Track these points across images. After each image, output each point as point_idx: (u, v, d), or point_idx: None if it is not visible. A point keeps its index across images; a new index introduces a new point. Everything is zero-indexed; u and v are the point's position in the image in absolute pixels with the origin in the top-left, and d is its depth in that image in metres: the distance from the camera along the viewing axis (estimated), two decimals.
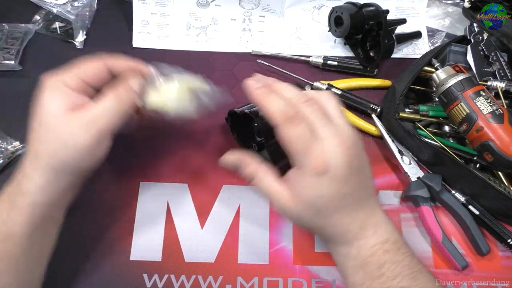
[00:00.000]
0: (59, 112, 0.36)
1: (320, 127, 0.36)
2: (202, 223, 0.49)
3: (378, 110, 0.57)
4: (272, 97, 0.38)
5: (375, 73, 0.61)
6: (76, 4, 0.63)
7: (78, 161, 0.37)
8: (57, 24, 0.63)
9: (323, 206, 0.37)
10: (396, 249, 0.38)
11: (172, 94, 0.43)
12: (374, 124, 0.57)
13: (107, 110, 0.37)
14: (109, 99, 0.38)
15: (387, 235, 0.39)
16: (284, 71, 0.60)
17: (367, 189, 0.39)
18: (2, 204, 0.37)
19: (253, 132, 0.51)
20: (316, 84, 0.59)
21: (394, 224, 0.40)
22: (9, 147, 0.52)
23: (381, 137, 0.55)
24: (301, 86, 0.60)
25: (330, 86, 0.59)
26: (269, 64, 0.60)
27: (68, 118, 0.36)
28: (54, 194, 0.37)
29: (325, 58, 0.61)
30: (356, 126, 0.57)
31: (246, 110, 0.47)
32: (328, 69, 0.62)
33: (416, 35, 0.66)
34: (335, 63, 0.61)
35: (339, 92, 0.58)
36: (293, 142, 0.36)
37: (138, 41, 0.63)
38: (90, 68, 0.39)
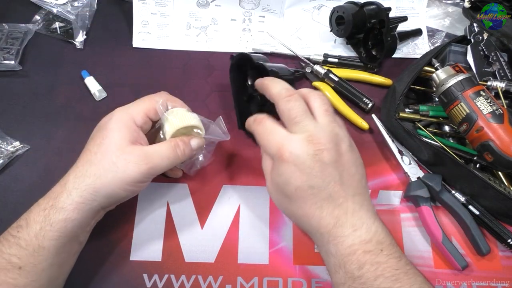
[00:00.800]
0: (121, 142, 0.40)
1: (294, 123, 0.40)
2: (202, 223, 0.49)
3: (370, 105, 0.57)
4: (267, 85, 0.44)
5: (374, 70, 0.62)
6: (76, 4, 0.63)
7: (119, 189, 0.40)
8: (57, 24, 0.63)
9: (291, 194, 0.39)
10: (379, 250, 0.38)
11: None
12: (364, 118, 0.57)
13: (161, 154, 0.42)
14: (166, 145, 0.42)
15: (369, 236, 0.38)
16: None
17: (349, 188, 0.39)
18: (36, 216, 0.38)
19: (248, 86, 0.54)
20: (316, 67, 0.60)
21: (384, 225, 0.40)
22: (9, 147, 0.52)
23: (371, 132, 0.55)
24: (302, 67, 0.61)
25: (328, 72, 0.59)
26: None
27: (127, 149, 0.40)
28: (86, 214, 0.39)
29: (326, 56, 0.62)
30: (347, 117, 0.58)
31: (260, 61, 0.51)
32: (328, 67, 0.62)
33: (417, 32, 0.66)
34: (336, 60, 0.62)
35: (336, 79, 0.59)
36: (261, 136, 0.41)
37: (138, 41, 0.63)
38: (152, 104, 0.43)
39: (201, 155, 0.48)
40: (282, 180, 0.39)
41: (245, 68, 0.54)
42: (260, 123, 0.42)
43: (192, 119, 0.44)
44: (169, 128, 0.43)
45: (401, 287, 0.36)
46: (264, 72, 0.49)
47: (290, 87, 0.42)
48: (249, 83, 0.54)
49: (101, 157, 0.40)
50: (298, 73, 0.60)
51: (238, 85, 0.56)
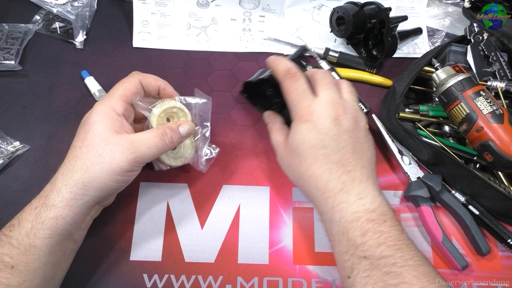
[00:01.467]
0: (104, 133, 0.40)
1: (323, 88, 0.43)
2: (202, 223, 0.49)
3: (365, 111, 0.57)
4: (281, 60, 0.46)
5: (374, 72, 0.62)
6: (76, 4, 0.63)
7: (108, 180, 0.40)
8: (57, 24, 0.63)
9: (303, 152, 0.41)
10: (382, 220, 0.38)
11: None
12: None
13: (147, 140, 0.41)
14: (153, 132, 0.42)
15: (374, 206, 0.39)
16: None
17: (359, 159, 0.42)
18: (27, 215, 0.38)
19: (269, 96, 0.55)
20: (321, 62, 0.60)
21: (388, 202, 0.41)
22: (9, 147, 0.52)
23: (377, 130, 0.55)
24: (304, 66, 0.61)
25: (332, 70, 0.59)
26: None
27: (112, 139, 0.40)
28: (78, 210, 0.39)
29: (327, 50, 0.62)
30: None
31: (261, 77, 0.52)
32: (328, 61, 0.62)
33: (417, 31, 0.66)
34: (336, 54, 0.62)
35: (337, 78, 0.59)
36: (290, 94, 0.43)
37: (138, 41, 0.63)
38: (129, 87, 0.44)
39: (205, 147, 0.48)
40: (299, 138, 0.41)
41: (255, 87, 0.56)
42: (294, 80, 0.43)
43: (169, 101, 0.44)
44: (151, 118, 0.44)
45: (403, 257, 0.36)
46: (269, 81, 0.50)
47: (293, 67, 0.45)
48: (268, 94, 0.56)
49: (86, 151, 0.40)
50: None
51: (266, 106, 0.57)
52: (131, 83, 0.44)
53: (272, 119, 0.50)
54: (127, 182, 0.43)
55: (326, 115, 0.41)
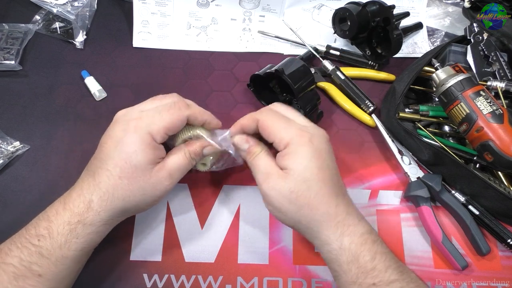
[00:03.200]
0: (147, 166, 0.39)
1: (295, 117, 0.43)
2: (202, 223, 0.49)
3: (371, 108, 0.57)
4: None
5: (375, 68, 0.62)
6: (76, 4, 0.63)
7: (145, 206, 0.42)
8: (57, 24, 0.63)
9: (312, 176, 0.38)
10: (380, 241, 0.38)
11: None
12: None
13: (180, 166, 0.42)
14: (183, 157, 0.42)
15: (369, 227, 0.39)
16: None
17: (339, 181, 0.41)
18: (61, 229, 0.37)
19: (276, 92, 0.56)
20: (324, 62, 0.60)
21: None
22: (9, 147, 0.52)
23: (377, 129, 0.56)
24: (310, 56, 0.62)
25: (336, 68, 0.60)
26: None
27: (153, 173, 0.40)
28: (111, 227, 0.41)
29: (328, 47, 0.62)
30: (353, 115, 0.58)
31: (268, 71, 0.52)
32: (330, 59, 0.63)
33: (418, 26, 0.66)
34: (337, 52, 0.62)
35: (342, 77, 0.59)
36: (276, 121, 0.41)
37: (138, 41, 0.63)
38: (174, 121, 0.41)
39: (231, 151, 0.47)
40: (303, 162, 0.38)
41: (263, 83, 0.57)
42: (272, 111, 0.43)
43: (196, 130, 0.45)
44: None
45: (405, 280, 0.37)
46: (277, 76, 0.52)
47: (255, 112, 0.43)
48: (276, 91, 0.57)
49: (128, 182, 0.39)
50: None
51: (270, 99, 0.58)
52: (179, 117, 0.41)
53: (253, 145, 0.43)
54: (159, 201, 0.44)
55: (322, 136, 0.41)
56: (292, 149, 0.39)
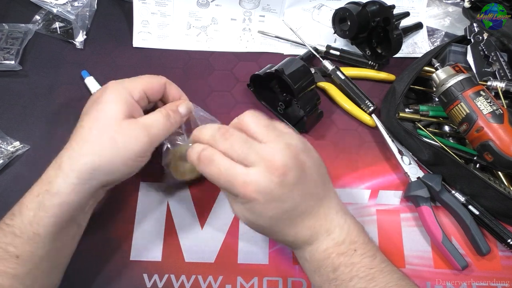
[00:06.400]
0: (119, 116, 0.38)
1: (243, 158, 0.36)
2: (202, 223, 0.49)
3: (371, 108, 0.57)
4: (193, 146, 0.39)
5: (375, 68, 0.62)
6: (76, 4, 0.63)
7: (121, 165, 0.38)
8: (57, 24, 0.63)
9: (265, 224, 0.38)
10: (353, 250, 0.37)
11: None
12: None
13: (157, 122, 0.40)
14: (159, 114, 0.41)
15: (342, 237, 0.38)
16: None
17: (314, 196, 0.38)
18: (29, 203, 0.36)
19: (276, 92, 0.56)
20: (324, 62, 0.60)
21: (357, 221, 0.40)
22: (9, 147, 0.52)
23: (377, 129, 0.56)
24: (310, 56, 0.62)
25: (336, 68, 0.60)
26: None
27: (125, 123, 0.38)
28: (83, 195, 0.38)
29: (328, 47, 0.63)
30: (353, 115, 0.58)
31: (268, 71, 0.52)
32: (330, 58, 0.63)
33: (418, 26, 0.66)
34: (337, 52, 0.62)
35: (342, 77, 0.59)
36: (218, 178, 0.37)
37: (138, 41, 0.63)
38: (153, 83, 0.42)
39: None
40: (255, 216, 0.37)
41: (263, 83, 0.57)
42: (210, 163, 0.37)
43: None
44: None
45: (376, 286, 0.36)
46: (277, 76, 0.52)
47: (220, 126, 0.38)
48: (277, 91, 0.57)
49: (98, 133, 0.37)
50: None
51: (271, 102, 0.58)
52: (158, 82, 0.43)
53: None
54: (139, 167, 0.41)
55: (271, 183, 0.35)
56: (243, 205, 0.37)
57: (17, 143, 0.53)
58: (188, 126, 0.47)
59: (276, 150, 0.36)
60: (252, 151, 0.36)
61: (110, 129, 0.38)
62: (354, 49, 0.64)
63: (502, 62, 0.56)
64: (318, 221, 0.38)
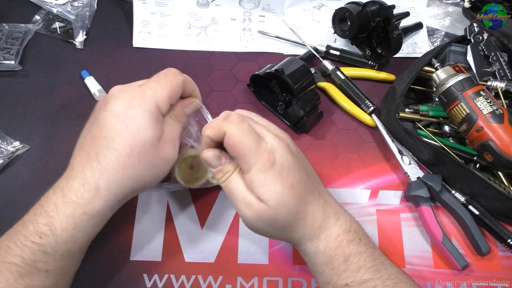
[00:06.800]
0: (155, 141, 0.37)
1: (257, 127, 0.38)
2: (202, 223, 0.49)
3: (371, 108, 0.57)
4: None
5: (375, 68, 0.62)
6: (76, 4, 0.63)
7: (154, 182, 0.39)
8: (57, 24, 0.63)
9: (289, 197, 0.36)
10: (358, 239, 0.38)
11: None
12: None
13: (177, 134, 0.40)
14: (176, 124, 0.40)
15: (348, 224, 0.39)
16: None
17: (314, 177, 0.40)
18: (65, 224, 0.35)
19: (276, 92, 0.56)
20: (324, 62, 0.60)
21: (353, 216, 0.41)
22: (9, 147, 0.52)
23: (377, 129, 0.56)
24: (310, 56, 0.62)
25: (336, 68, 0.60)
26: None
27: (161, 147, 0.38)
28: (116, 210, 0.39)
29: (328, 47, 0.63)
30: (353, 115, 0.58)
31: (268, 71, 0.52)
32: (330, 58, 0.63)
33: (418, 26, 0.66)
34: (337, 52, 0.62)
35: (342, 77, 0.59)
36: (242, 138, 0.36)
37: (138, 41, 0.63)
38: (175, 88, 0.39)
39: None
40: (276, 190, 0.36)
41: (263, 83, 0.57)
42: (241, 122, 0.37)
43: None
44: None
45: (381, 277, 0.37)
46: (277, 76, 0.52)
47: (224, 120, 0.38)
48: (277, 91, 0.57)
49: (137, 161, 0.36)
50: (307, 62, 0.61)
51: (271, 102, 0.59)
52: (177, 82, 0.40)
53: (226, 162, 0.39)
54: (163, 176, 0.41)
55: (284, 150, 0.37)
56: (259, 177, 0.36)
57: (17, 143, 0.53)
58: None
59: (276, 129, 0.40)
60: (266, 129, 0.39)
61: (149, 156, 0.37)
62: (354, 49, 0.64)
63: (502, 62, 0.56)
64: (325, 202, 0.39)
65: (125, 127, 0.36)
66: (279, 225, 0.38)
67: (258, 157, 0.36)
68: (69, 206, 0.36)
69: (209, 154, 0.38)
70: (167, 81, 0.39)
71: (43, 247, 0.35)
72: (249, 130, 0.36)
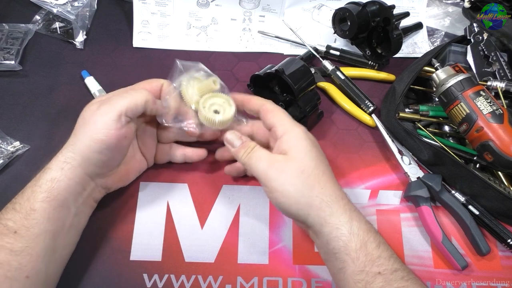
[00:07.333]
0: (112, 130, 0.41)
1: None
2: (202, 223, 0.49)
3: (371, 108, 0.57)
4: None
5: (375, 68, 0.62)
6: (76, 4, 0.63)
7: (90, 138, 0.41)
8: (57, 24, 0.63)
9: (318, 155, 0.42)
10: (376, 231, 0.40)
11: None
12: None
13: (118, 94, 0.44)
14: (140, 92, 0.44)
15: (364, 219, 0.40)
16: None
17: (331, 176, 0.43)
18: (30, 182, 0.40)
19: (276, 92, 0.56)
20: (324, 62, 0.60)
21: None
22: (9, 147, 0.52)
23: (377, 129, 0.56)
24: (310, 56, 0.62)
25: (336, 68, 0.60)
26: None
27: (98, 112, 0.42)
28: (69, 174, 0.40)
29: (328, 47, 0.63)
30: (353, 115, 0.58)
31: (268, 71, 0.52)
32: (330, 58, 0.63)
33: (418, 26, 0.66)
34: (337, 52, 0.62)
35: (342, 77, 0.59)
36: (279, 111, 0.45)
37: (138, 41, 0.63)
38: (137, 99, 0.43)
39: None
40: (305, 144, 0.42)
41: (262, 81, 0.56)
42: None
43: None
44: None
45: (406, 269, 0.38)
46: (277, 76, 0.52)
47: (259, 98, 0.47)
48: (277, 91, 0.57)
49: (79, 120, 0.43)
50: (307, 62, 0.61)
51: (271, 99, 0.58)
52: (143, 96, 0.43)
53: (247, 140, 0.44)
54: (115, 153, 0.43)
55: (307, 135, 0.44)
56: (292, 135, 0.42)
57: (17, 143, 0.53)
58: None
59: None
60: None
61: (85, 113, 0.43)
62: (354, 49, 0.64)
63: (502, 62, 0.56)
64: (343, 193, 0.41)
65: (83, 125, 0.42)
66: (309, 181, 0.39)
67: (294, 124, 0.43)
68: (40, 172, 0.41)
69: (231, 135, 0.44)
70: (129, 95, 0.43)
71: (14, 205, 0.39)
72: (280, 108, 0.45)
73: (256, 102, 0.46)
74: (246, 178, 0.52)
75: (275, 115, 0.44)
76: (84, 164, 0.41)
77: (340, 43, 0.65)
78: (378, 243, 0.37)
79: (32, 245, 0.38)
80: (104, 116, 0.41)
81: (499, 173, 0.52)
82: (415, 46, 0.66)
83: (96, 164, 0.42)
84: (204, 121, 0.45)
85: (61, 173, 0.40)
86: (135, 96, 0.42)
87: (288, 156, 0.41)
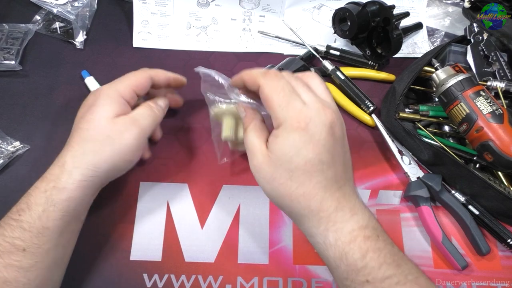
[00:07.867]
0: (111, 115, 0.42)
1: (303, 92, 0.38)
2: (202, 223, 0.49)
3: (371, 108, 0.57)
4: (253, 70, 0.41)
5: (375, 68, 0.62)
6: (76, 4, 0.63)
7: (118, 161, 0.42)
8: (57, 24, 0.63)
9: (297, 168, 0.35)
10: (376, 236, 0.36)
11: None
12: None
13: (144, 115, 0.45)
14: (142, 107, 0.46)
15: (366, 221, 0.37)
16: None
17: (347, 170, 0.38)
18: (38, 199, 0.38)
19: None
20: (324, 62, 0.60)
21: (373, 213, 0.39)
22: (9, 147, 0.52)
23: (377, 129, 0.55)
24: (310, 56, 0.62)
25: (336, 68, 0.59)
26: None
27: (117, 120, 0.42)
28: (87, 191, 0.41)
29: (328, 47, 0.63)
30: (352, 114, 0.58)
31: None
32: (330, 58, 0.63)
33: (418, 26, 0.66)
34: (337, 52, 0.62)
35: (342, 77, 0.59)
36: (275, 94, 0.37)
37: (138, 41, 0.63)
38: (140, 79, 0.46)
39: None
40: (291, 151, 0.35)
41: None
42: (278, 78, 0.38)
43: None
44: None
45: (403, 273, 0.35)
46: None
47: (261, 74, 0.40)
48: None
49: (95, 133, 0.41)
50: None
51: None
52: (142, 76, 0.46)
53: (249, 114, 0.41)
54: (133, 163, 0.45)
55: (322, 123, 0.36)
56: (283, 134, 0.36)
57: (17, 143, 0.53)
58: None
59: (332, 104, 0.39)
60: (311, 93, 0.38)
61: (105, 129, 0.41)
62: (354, 49, 0.64)
63: (502, 62, 0.56)
64: (343, 196, 0.37)
65: (87, 108, 0.43)
66: (278, 190, 0.37)
67: (287, 115, 0.36)
68: (43, 183, 0.39)
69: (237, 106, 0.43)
70: (132, 75, 0.46)
71: (21, 223, 0.37)
72: (283, 87, 0.37)
73: (251, 84, 0.40)
74: (246, 178, 0.52)
75: (268, 105, 0.38)
76: (105, 180, 0.43)
77: (340, 43, 0.65)
78: (364, 253, 0.35)
79: (42, 260, 0.38)
80: (127, 134, 0.42)
81: (499, 173, 0.52)
82: (415, 46, 0.66)
83: (119, 173, 0.44)
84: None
85: (79, 192, 0.39)
86: (152, 114, 0.46)
87: (267, 156, 0.37)
